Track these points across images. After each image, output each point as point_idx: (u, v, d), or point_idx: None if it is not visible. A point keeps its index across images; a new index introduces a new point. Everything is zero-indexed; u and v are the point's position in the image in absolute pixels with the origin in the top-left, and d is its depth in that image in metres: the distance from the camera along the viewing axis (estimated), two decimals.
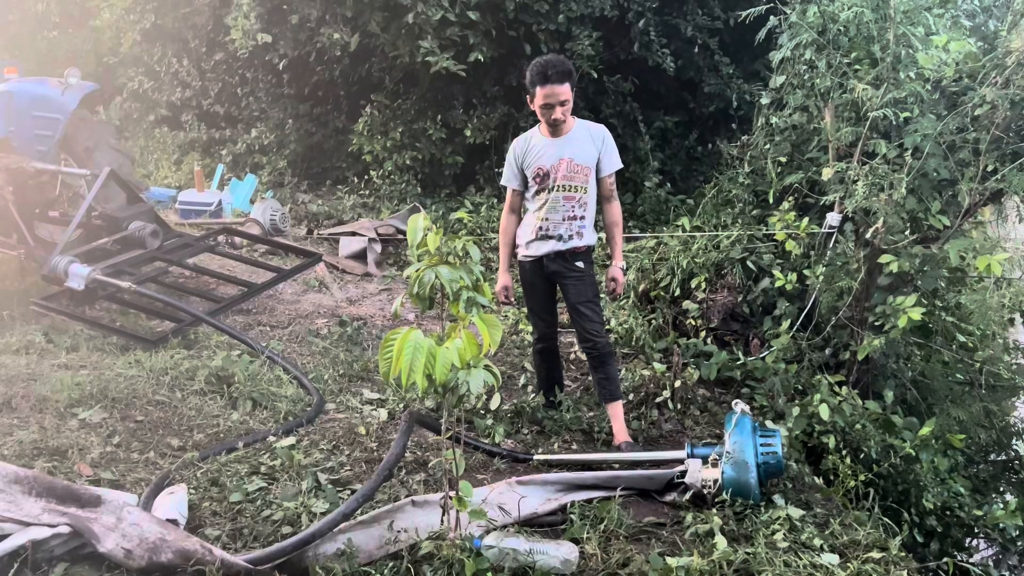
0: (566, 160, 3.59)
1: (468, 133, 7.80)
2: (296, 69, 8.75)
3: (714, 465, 3.15)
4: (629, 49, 7.39)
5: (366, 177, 8.27)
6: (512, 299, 3.94)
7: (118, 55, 10.04)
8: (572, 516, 2.95)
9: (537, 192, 3.66)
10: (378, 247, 6.63)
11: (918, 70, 4.42)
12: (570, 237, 3.66)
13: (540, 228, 3.67)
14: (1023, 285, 6.27)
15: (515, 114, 7.90)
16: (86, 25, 10.29)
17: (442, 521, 2.72)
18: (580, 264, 3.72)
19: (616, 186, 3.82)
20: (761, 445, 3.13)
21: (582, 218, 3.66)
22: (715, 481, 3.09)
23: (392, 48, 7.32)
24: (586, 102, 7.78)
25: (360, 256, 6.56)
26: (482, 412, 3.89)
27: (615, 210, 3.78)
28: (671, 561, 2.60)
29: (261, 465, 3.23)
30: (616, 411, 3.75)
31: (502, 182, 3.82)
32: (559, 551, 2.63)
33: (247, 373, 4.01)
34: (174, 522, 2.60)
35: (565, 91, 3.48)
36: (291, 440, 3.47)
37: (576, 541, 2.78)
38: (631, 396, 4.21)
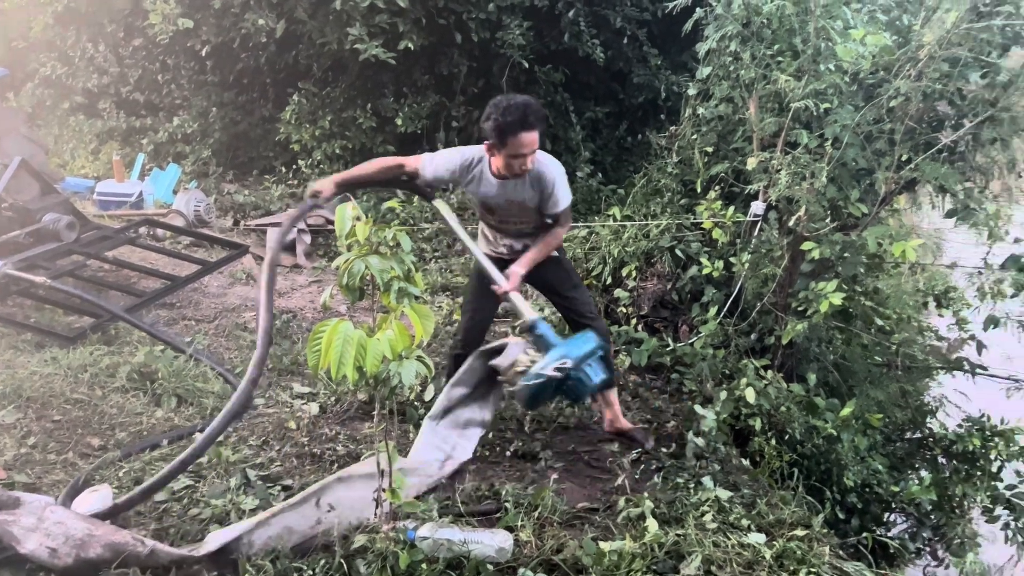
0: (516, 203, 3.32)
1: (399, 122, 7.71)
2: (220, 56, 8.49)
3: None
4: (559, 39, 7.41)
5: (294, 167, 8.10)
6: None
7: (28, 39, 9.56)
8: (507, 504, 2.96)
9: (485, 219, 3.47)
10: (308, 238, 6.50)
11: (837, 63, 4.56)
12: (527, 246, 3.49)
13: (492, 237, 3.52)
14: (936, 270, 6.55)
15: (447, 103, 7.84)
16: None
17: (375, 515, 2.70)
18: (554, 253, 3.56)
19: (569, 217, 3.52)
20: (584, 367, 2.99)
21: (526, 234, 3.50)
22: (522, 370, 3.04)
23: (320, 35, 7.17)
24: (517, 92, 7.78)
25: (289, 247, 6.43)
26: (416, 403, 3.86)
27: (553, 232, 3.43)
28: (604, 545, 2.64)
29: None
30: (613, 396, 3.75)
31: (423, 167, 3.34)
32: (494, 540, 2.63)
33: (171, 369, 3.89)
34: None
35: (537, 136, 3.12)
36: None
37: (511, 529, 2.79)
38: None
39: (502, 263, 3.42)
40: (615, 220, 5.53)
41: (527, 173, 3.19)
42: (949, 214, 4.50)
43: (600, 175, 7.53)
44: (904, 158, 4.26)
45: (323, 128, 7.87)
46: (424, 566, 2.49)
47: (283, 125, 8.13)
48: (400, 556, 2.46)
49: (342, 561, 2.51)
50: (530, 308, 3.23)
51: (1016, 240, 4.46)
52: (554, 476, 3.33)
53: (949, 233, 7.37)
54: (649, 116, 8.00)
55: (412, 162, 3.39)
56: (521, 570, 2.57)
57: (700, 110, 5.13)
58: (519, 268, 3.33)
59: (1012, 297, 4.39)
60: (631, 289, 5.30)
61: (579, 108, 7.80)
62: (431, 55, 7.71)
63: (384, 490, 2.58)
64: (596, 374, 3.02)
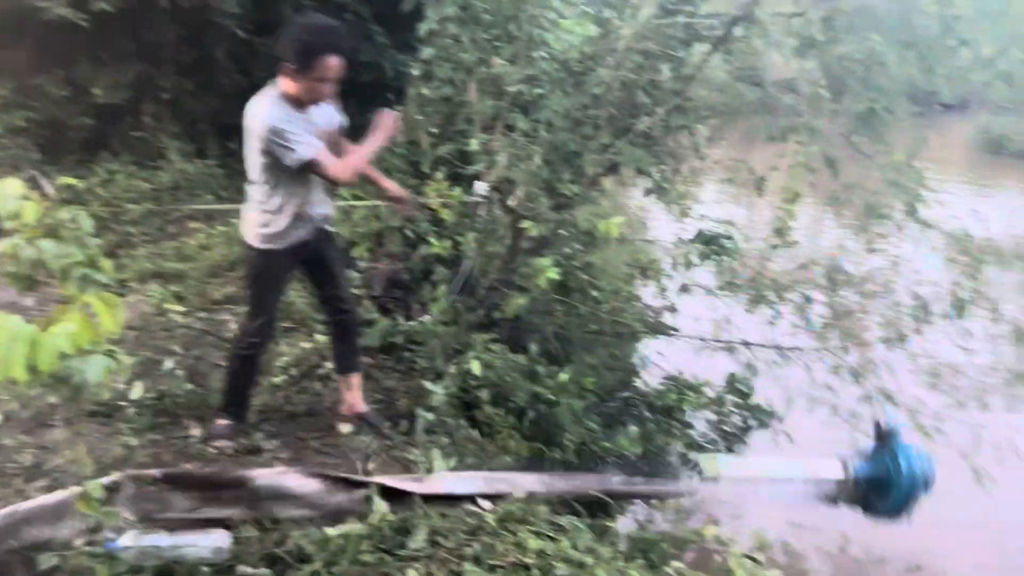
0: (323, 132, 3.13)
1: (98, 92, 6.90)
2: None
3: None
4: (279, 12, 7.07)
5: None
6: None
7: None
8: None
9: (299, 173, 3.07)
10: None
11: (549, 50, 4.84)
12: (328, 212, 3.34)
13: (303, 214, 3.19)
14: (641, 245, 7.25)
15: (153, 73, 7.16)
16: None
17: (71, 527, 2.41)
18: (332, 228, 3.43)
19: None
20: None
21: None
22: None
23: None
24: (236, 64, 7.32)
25: None
26: (122, 404, 3.50)
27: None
28: (330, 531, 2.58)
29: None
30: (358, 381, 3.64)
31: (306, 155, 2.94)
32: (208, 540, 2.48)
33: None
34: None
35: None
36: None
37: (228, 527, 2.63)
38: (292, 371, 4.10)
39: (318, 231, 3.23)
40: (345, 200, 5.42)
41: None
42: (646, 194, 4.97)
43: None
44: (608, 142, 4.63)
45: (2, 96, 6.82)
46: None
47: None
48: (97, 570, 2.22)
49: None
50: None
51: (701, 216, 5.05)
52: (280, 467, 3.19)
53: (652, 211, 8.18)
54: (378, 95, 7.92)
55: (321, 156, 2.99)
56: (241, 567, 2.44)
57: (424, 91, 5.17)
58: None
59: (699, 267, 4.98)
60: (363, 270, 5.25)
61: None
62: (133, 20, 6.98)
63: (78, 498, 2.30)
64: None
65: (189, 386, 3.81)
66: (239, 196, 6.37)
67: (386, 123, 3.21)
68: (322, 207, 3.28)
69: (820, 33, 4.66)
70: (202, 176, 6.53)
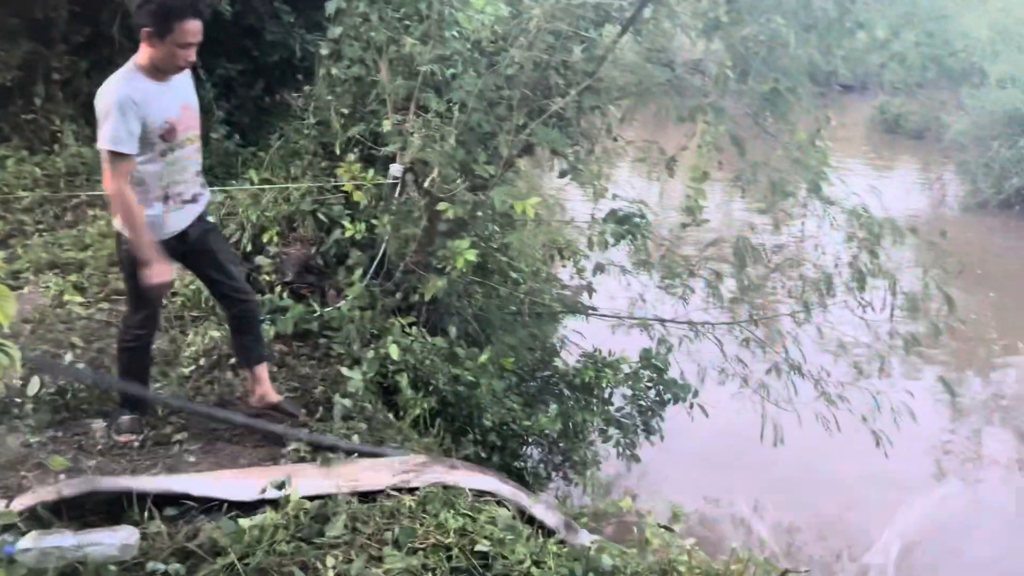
0: (191, 108, 3.07)
1: None
2: None
3: None
4: None
5: None
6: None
7: None
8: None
9: (163, 152, 2.98)
10: None
11: (460, 30, 4.80)
12: (201, 193, 3.20)
13: (171, 197, 3.06)
14: (558, 225, 7.31)
15: (44, 52, 6.76)
16: None
17: None
18: (211, 218, 3.31)
19: None
20: None
21: (201, 169, 3.21)
22: None
23: None
24: (134, 44, 6.98)
25: None
26: (17, 400, 3.33)
27: None
28: (243, 522, 2.52)
29: None
30: (263, 372, 3.52)
31: (111, 146, 2.82)
32: (115, 537, 2.38)
33: None
34: None
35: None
36: None
37: (138, 523, 2.54)
38: (202, 361, 3.97)
39: (196, 221, 3.11)
40: (252, 184, 5.27)
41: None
42: (561, 174, 5.00)
43: (237, 136, 7.10)
44: (521, 123, 4.62)
45: None
46: None
47: None
48: None
49: None
50: None
51: (614, 196, 5.12)
52: (191, 459, 3.10)
53: (569, 192, 8.26)
54: (287, 75, 7.71)
55: (120, 165, 2.85)
56: (150, 564, 2.36)
57: (334, 71, 5.06)
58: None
59: (613, 246, 5.05)
60: (273, 256, 5.10)
61: (209, 65, 7.22)
62: None
63: None
64: None
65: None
66: None
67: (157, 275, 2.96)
68: (190, 190, 3.14)
69: (725, 15, 4.77)
70: (100, 161, 6.22)
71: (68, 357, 3.88)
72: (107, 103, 2.82)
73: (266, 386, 3.56)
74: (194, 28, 2.83)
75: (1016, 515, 5.92)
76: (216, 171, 6.56)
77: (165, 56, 2.86)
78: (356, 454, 3.19)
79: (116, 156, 2.84)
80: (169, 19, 2.78)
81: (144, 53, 2.88)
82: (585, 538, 2.92)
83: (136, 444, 3.22)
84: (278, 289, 4.87)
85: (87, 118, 6.71)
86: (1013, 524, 5.81)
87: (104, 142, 2.83)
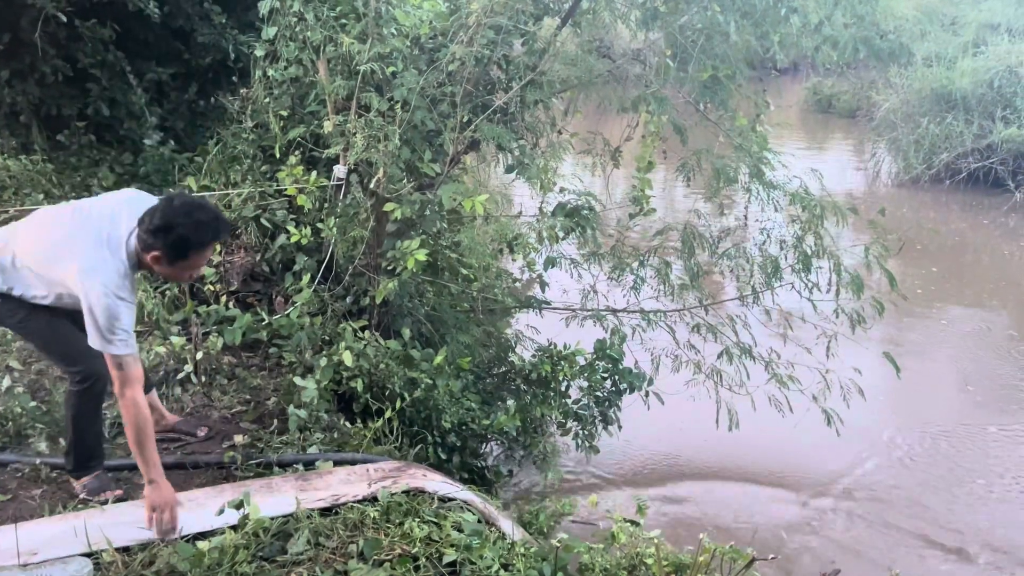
0: None
1: None
2: None
3: None
4: None
5: None
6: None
7: None
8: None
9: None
10: None
11: (399, 27, 4.72)
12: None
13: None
14: (506, 220, 7.29)
15: None
16: None
17: None
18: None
19: None
20: None
21: None
22: None
23: None
24: (58, 50, 6.71)
25: None
26: None
27: None
28: (202, 545, 2.45)
29: None
30: (154, 399, 3.42)
31: (130, 351, 2.58)
32: (67, 570, 2.29)
33: None
34: None
35: None
36: None
37: (90, 554, 2.44)
38: (149, 375, 3.84)
39: None
40: (191, 191, 5.11)
41: None
42: (508, 170, 4.98)
43: (172, 142, 6.90)
44: (466, 119, 4.58)
45: None
46: None
47: None
48: None
49: None
50: None
51: (562, 190, 5.12)
52: (117, 493, 2.93)
53: (517, 187, 8.24)
54: (221, 78, 7.50)
55: (132, 369, 2.58)
56: None
57: (270, 72, 4.94)
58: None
59: (563, 239, 5.05)
60: (217, 264, 4.97)
61: (138, 69, 6.99)
62: None
63: None
64: None
65: (33, 403, 3.49)
66: (74, 193, 5.91)
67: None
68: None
69: (663, 4, 4.81)
70: (28, 174, 5.97)
71: (6, 382, 3.72)
72: (113, 301, 2.52)
73: (159, 411, 3.44)
74: (210, 251, 2.69)
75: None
76: (152, 178, 6.38)
77: (169, 273, 2.71)
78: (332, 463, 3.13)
79: (131, 361, 2.60)
80: (187, 250, 2.60)
81: (145, 258, 2.62)
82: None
83: (113, 498, 2.91)
84: (223, 299, 4.75)
85: (12, 129, 6.46)
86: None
87: (120, 348, 2.55)
